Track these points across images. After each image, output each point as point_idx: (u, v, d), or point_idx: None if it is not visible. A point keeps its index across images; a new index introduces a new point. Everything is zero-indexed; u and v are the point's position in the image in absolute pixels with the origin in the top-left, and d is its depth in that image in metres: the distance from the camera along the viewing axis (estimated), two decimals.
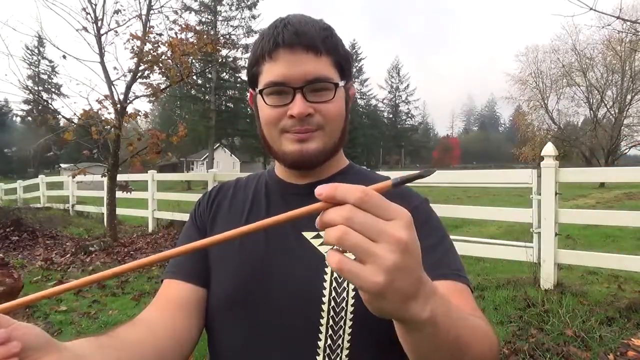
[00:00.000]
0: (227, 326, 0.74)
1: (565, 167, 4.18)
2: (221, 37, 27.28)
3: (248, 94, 0.82)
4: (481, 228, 7.72)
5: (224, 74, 40.20)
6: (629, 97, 23.61)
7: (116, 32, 7.10)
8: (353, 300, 0.68)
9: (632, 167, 4.38)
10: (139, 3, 7.13)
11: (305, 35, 0.70)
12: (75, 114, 7.50)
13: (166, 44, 7.11)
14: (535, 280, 4.00)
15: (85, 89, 18.61)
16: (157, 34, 7.30)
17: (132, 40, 7.05)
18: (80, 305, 4.08)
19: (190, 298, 0.75)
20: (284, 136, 0.73)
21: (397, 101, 68.19)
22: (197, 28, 9.73)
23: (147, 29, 7.16)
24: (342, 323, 0.68)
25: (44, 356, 0.45)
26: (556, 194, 3.97)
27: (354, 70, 49.44)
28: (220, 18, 38.07)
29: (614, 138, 23.08)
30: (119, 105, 7.02)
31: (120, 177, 7.75)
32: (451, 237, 0.77)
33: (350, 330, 0.68)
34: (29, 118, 44.30)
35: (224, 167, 40.28)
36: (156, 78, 7.55)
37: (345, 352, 0.67)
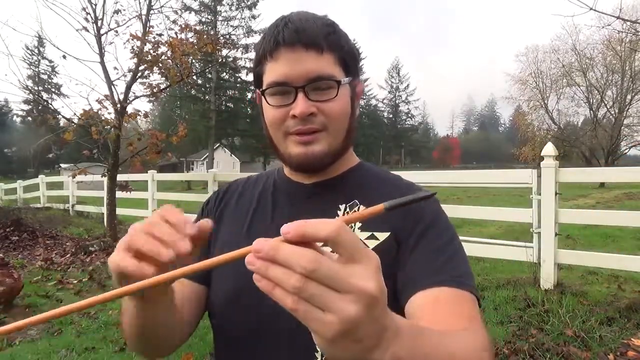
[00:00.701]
0: (231, 322, 0.75)
1: (565, 167, 4.17)
2: (221, 37, 27.21)
3: (255, 94, 0.82)
4: (481, 228, 7.71)
5: (224, 74, 40.10)
6: (629, 97, 23.63)
7: (116, 32, 7.12)
8: None
9: (632, 167, 4.38)
10: (139, 3, 7.14)
11: (306, 33, 0.68)
12: (75, 114, 7.53)
13: (166, 44, 7.10)
14: (535, 280, 3.99)
15: (85, 89, 18.70)
16: (157, 34, 7.30)
17: (132, 40, 7.06)
18: None
19: (191, 295, 0.76)
20: (289, 138, 0.73)
21: (397, 101, 68.30)
22: (197, 28, 9.72)
23: (147, 29, 7.16)
24: None
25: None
26: (556, 194, 3.97)
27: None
28: (220, 18, 38.04)
29: (614, 138, 23.09)
30: (119, 105, 7.02)
31: (120, 177, 7.75)
32: None
33: None
34: (29, 118, 44.41)
35: (224, 167, 40.27)
36: (156, 78, 7.57)
37: None
